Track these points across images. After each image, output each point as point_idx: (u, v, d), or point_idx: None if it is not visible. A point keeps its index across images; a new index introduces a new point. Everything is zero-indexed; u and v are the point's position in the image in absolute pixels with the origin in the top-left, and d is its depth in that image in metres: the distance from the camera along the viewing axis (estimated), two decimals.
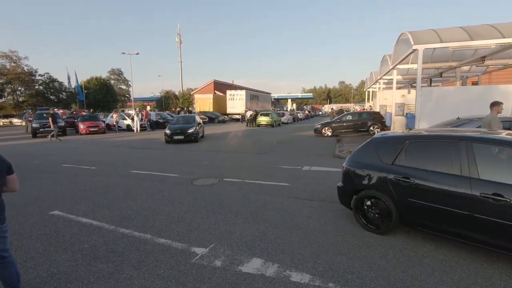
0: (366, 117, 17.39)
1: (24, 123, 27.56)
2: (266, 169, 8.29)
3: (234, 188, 6.39)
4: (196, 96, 47.74)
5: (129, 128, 23.68)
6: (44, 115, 21.08)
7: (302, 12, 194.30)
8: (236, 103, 39.36)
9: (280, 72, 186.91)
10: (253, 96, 43.69)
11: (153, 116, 25.67)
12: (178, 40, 52.75)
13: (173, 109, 42.34)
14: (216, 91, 56.08)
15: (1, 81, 43.01)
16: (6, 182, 2.32)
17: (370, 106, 28.04)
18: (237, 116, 37.94)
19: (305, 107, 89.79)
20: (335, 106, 77.98)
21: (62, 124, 20.33)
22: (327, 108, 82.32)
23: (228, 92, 41.10)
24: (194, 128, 15.03)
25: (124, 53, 35.72)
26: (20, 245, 3.81)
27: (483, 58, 11.18)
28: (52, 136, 17.86)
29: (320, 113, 77.73)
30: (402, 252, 3.43)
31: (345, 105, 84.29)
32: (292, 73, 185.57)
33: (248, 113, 28.06)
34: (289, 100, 76.14)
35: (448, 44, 9.50)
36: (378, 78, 20.24)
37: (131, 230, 4.19)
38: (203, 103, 43.38)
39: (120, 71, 64.72)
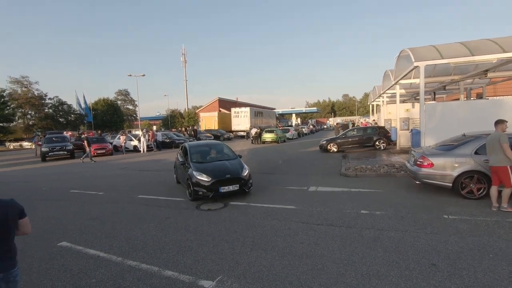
0: (371, 132, 17.33)
1: (33, 147, 28.10)
2: (272, 191, 8.25)
3: (240, 212, 6.37)
4: (202, 114, 48.38)
5: (136, 149, 23.98)
6: (54, 138, 21.57)
7: (304, 28, 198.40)
8: (241, 120, 39.72)
9: (284, 87, 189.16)
10: (258, 112, 44.06)
11: (159, 137, 25.98)
12: (183, 59, 54.27)
13: (179, 128, 42.83)
14: (221, 109, 56.79)
15: (13, 105, 44.31)
16: (18, 226, 2.37)
17: (375, 120, 28.01)
18: (242, 133, 38.20)
19: (309, 121, 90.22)
20: (341, 120, 78.25)
21: (70, 147, 20.73)
22: (332, 121, 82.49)
23: (233, 109, 41.58)
24: (247, 168, 8.07)
25: (130, 75, 36.65)
26: (29, 280, 3.83)
27: (485, 72, 11.19)
28: (86, 157, 18.47)
29: (325, 126, 77.74)
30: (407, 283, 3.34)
31: (350, 118, 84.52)
32: (296, 87, 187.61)
33: (253, 131, 28.21)
34: (294, 115, 76.66)
35: (449, 60, 9.57)
36: (381, 92, 20.32)
37: (138, 262, 4.18)
38: (209, 121, 43.89)
39: (127, 91, 66.55)
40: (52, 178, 12.65)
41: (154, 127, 51.90)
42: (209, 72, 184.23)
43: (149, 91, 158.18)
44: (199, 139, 33.20)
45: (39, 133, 38.27)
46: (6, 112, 40.98)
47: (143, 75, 37.24)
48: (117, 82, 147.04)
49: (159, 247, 4.68)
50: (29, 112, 47.45)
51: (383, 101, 23.44)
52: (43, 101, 47.50)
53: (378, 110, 27.14)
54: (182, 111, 56.70)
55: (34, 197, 8.90)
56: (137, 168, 14.75)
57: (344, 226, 5.20)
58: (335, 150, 17.13)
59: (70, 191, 9.55)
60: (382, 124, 20.44)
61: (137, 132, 29.62)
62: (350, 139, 17.34)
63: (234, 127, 40.39)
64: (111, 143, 23.95)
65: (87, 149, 18.38)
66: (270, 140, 26.90)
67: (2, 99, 40.77)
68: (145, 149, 23.22)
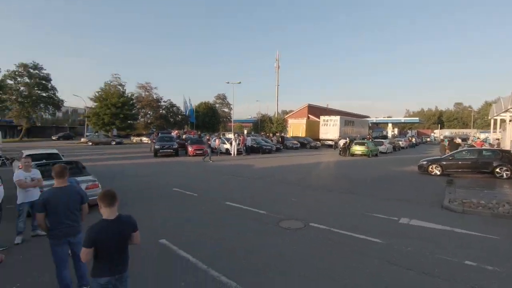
0: (490, 155, 14.35)
1: (149, 142, 33.72)
2: (356, 216, 7.75)
3: (320, 237, 6.21)
4: (290, 121, 48.98)
5: (227, 152, 26.11)
6: (164, 138, 25.42)
7: (412, 22, 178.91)
8: (330, 129, 38.60)
9: (381, 92, 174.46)
10: (348, 121, 42.00)
11: (249, 141, 27.61)
12: (277, 65, 56.04)
13: (267, 134, 44.43)
14: (310, 115, 56.39)
15: (138, 106, 54.23)
16: (132, 238, 2.92)
17: (498, 139, 23.02)
18: (330, 142, 37.01)
19: (409, 132, 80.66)
20: (449, 132, 67.61)
21: (176, 146, 23.99)
22: (437, 134, 71.61)
23: (322, 117, 40.75)
24: None
25: (228, 83, 40.20)
26: (131, 271, 4.64)
27: None
28: (206, 157, 21.40)
29: (428, 139, 68.03)
30: None
31: (462, 131, 72.23)
32: (395, 93, 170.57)
33: (341, 142, 27.01)
34: (390, 125, 69.61)
35: None
36: (510, 107, 16.56)
37: (219, 274, 4.56)
38: (296, 128, 44.14)
39: (225, 95, 72.80)
40: (159, 173, 14.96)
41: (245, 131, 55.32)
42: (301, 78, 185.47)
43: (243, 95, 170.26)
44: (286, 145, 33.79)
45: (154, 130, 45.69)
46: (134, 111, 50.49)
47: (239, 82, 40.32)
48: (216, 87, 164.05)
49: (237, 260, 5.00)
50: (149, 112, 57.24)
51: (511, 117, 19.09)
52: (159, 103, 56.60)
53: (503, 127, 22.24)
54: (271, 116, 58.72)
55: (142, 192, 10.71)
56: (228, 172, 16.02)
57: (441, 278, 4.48)
58: (438, 173, 14.85)
59: (173, 189, 11.08)
60: (507, 145, 16.70)
61: (229, 136, 32.17)
62: (459, 162, 14.72)
63: (321, 136, 39.54)
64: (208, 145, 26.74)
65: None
66: (360, 153, 25.24)
67: (131, 101, 50.34)
68: (235, 153, 25.05)
